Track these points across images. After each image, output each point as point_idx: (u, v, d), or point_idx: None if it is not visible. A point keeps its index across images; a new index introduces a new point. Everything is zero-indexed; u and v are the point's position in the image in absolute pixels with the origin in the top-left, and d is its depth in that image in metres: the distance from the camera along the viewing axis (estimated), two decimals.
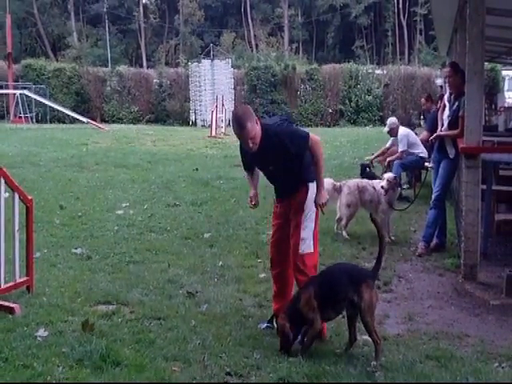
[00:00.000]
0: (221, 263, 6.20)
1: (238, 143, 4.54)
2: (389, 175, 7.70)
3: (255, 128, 4.16)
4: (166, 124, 29.08)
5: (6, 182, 5.12)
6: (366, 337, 4.18)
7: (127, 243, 6.93)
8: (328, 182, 7.65)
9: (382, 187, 7.41)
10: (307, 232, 4.38)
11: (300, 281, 4.38)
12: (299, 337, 4.17)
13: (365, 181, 7.95)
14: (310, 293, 4.05)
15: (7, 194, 5.23)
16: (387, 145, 10.40)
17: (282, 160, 4.31)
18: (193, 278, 5.75)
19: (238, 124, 4.15)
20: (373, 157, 10.66)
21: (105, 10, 46.58)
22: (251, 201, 4.71)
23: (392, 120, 10.45)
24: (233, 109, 4.01)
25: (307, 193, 4.42)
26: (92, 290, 5.29)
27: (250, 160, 4.59)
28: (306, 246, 4.37)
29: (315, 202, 4.38)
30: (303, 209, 4.41)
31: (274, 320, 4.52)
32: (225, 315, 4.78)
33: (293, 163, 4.35)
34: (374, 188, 7.57)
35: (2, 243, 5.08)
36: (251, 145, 4.19)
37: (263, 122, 4.31)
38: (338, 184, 7.69)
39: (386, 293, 5.47)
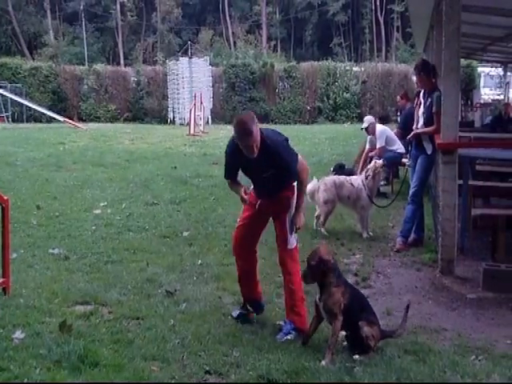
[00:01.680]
0: (200, 261, 6.18)
1: (225, 151, 4.57)
2: (379, 161, 7.80)
3: (258, 133, 4.21)
4: (144, 122, 28.89)
5: None
6: (344, 332, 4.20)
7: (105, 243, 6.88)
8: (315, 182, 7.69)
9: (383, 165, 7.60)
10: (291, 227, 4.52)
11: (291, 267, 4.55)
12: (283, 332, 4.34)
13: (342, 177, 7.98)
14: (344, 291, 4.11)
15: None
16: (367, 146, 10.34)
17: (275, 168, 4.37)
18: (172, 276, 5.72)
19: (245, 129, 4.16)
20: (360, 164, 10.30)
21: (81, 7, 46.13)
22: (245, 193, 4.55)
23: (369, 117, 10.51)
24: (237, 116, 4.03)
25: (294, 190, 4.55)
26: (70, 291, 5.24)
27: (242, 166, 4.54)
28: (292, 240, 4.55)
29: (293, 222, 4.52)
30: (289, 205, 4.52)
31: (248, 305, 4.69)
32: (204, 313, 4.77)
33: (283, 173, 4.42)
34: (351, 184, 7.59)
35: None
36: (255, 150, 4.21)
37: (261, 129, 4.33)
38: (317, 183, 7.69)
39: (365, 288, 5.49)
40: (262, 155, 4.26)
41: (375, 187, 7.73)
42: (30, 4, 48.95)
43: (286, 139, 4.54)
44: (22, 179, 10.98)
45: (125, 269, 5.93)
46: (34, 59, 40.32)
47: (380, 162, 7.78)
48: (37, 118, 28.78)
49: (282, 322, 4.56)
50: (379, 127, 10.14)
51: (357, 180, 7.62)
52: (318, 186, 7.63)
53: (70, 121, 25.72)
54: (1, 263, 5.26)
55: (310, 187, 7.62)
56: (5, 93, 27.22)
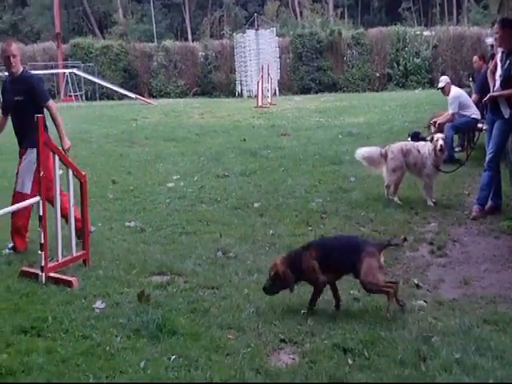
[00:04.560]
0: (271, 232, 6.20)
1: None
2: (441, 135, 7.46)
3: (18, 55, 5.75)
4: (213, 96, 29.09)
5: (60, 159, 5.24)
6: (421, 302, 4.12)
7: (179, 215, 7.01)
8: (371, 150, 7.53)
9: (441, 147, 7.16)
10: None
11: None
12: None
13: (410, 143, 7.74)
14: (312, 254, 4.24)
15: (61, 171, 5.34)
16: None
17: (27, 96, 5.71)
18: (244, 247, 5.77)
19: (7, 42, 5.81)
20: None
21: None
22: None
23: (445, 77, 10.15)
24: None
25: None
26: (146, 262, 5.39)
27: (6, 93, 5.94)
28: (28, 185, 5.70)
29: (62, 147, 5.82)
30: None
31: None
32: None
33: (31, 106, 5.66)
34: (418, 151, 7.34)
35: (58, 219, 5.22)
36: (13, 64, 5.70)
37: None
38: (384, 150, 7.51)
39: (441, 257, 5.37)
40: (21, 80, 5.76)
41: (440, 158, 7.35)
42: None
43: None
44: (97, 155, 11.33)
45: (199, 240, 6.04)
46: (104, 38, 41.21)
47: (440, 135, 7.44)
48: (109, 95, 29.52)
49: (356, 292, 4.53)
50: (454, 91, 9.75)
51: (424, 147, 7.34)
52: (385, 152, 7.43)
53: (141, 97, 26.21)
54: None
55: (368, 152, 7.50)
56: (78, 72, 28.03)
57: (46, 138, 5.10)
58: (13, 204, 5.60)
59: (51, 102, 5.99)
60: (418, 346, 3.63)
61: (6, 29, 48.04)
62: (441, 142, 7.16)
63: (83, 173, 5.50)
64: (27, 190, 5.70)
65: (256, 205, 7.29)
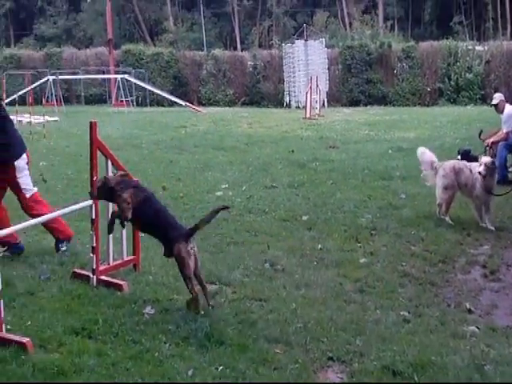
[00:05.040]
0: (320, 246, 6.18)
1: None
2: (486, 159, 7.25)
3: None
4: (261, 106, 29.20)
5: (112, 164, 5.35)
6: (473, 328, 4.03)
7: (227, 224, 7.05)
8: (430, 156, 7.44)
9: (479, 173, 7.00)
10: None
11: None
12: None
13: (462, 163, 7.59)
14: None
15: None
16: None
17: None
18: (292, 260, 5.77)
19: None
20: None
21: None
22: None
23: (499, 94, 9.94)
24: None
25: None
26: None
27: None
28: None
29: None
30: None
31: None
32: (325, 299, 4.77)
33: None
34: (470, 171, 7.18)
35: None
36: None
37: None
38: (436, 164, 7.40)
39: (494, 282, 5.25)
40: None
41: (489, 181, 7.14)
42: None
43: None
44: (147, 161, 11.50)
45: (247, 250, 6.06)
46: (155, 45, 41.91)
47: (489, 159, 7.25)
48: (159, 101, 29.97)
49: (406, 313, 4.46)
50: (508, 108, 9.52)
51: (476, 168, 7.16)
52: (437, 168, 7.32)
53: (191, 105, 26.52)
54: (132, 241, 5.57)
55: (426, 154, 7.41)
56: (130, 78, 28.56)
57: (99, 143, 5.19)
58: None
59: None
60: (469, 374, 3.55)
61: (59, 33, 49.48)
62: (483, 167, 6.97)
63: (135, 179, 5.58)
64: (31, 187, 6.09)
65: (304, 218, 7.28)
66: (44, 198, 7.24)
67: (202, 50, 34.64)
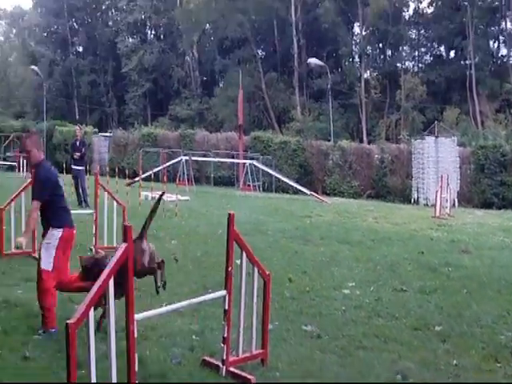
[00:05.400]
0: (455, 362, 5.79)
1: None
2: None
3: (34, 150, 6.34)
4: (387, 200, 28.76)
5: (247, 256, 5.42)
6: None
7: (355, 326, 6.86)
8: None
9: None
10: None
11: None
12: None
13: None
14: None
15: (238, 261, 5.46)
16: None
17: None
18: (425, 374, 5.45)
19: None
20: None
21: (328, 85, 48.67)
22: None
23: None
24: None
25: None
26: (322, 372, 5.29)
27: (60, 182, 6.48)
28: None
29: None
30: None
31: None
32: None
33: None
34: None
35: (241, 314, 5.36)
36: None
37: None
38: None
39: None
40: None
41: None
42: (281, 81, 52.97)
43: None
44: (273, 249, 11.59)
45: (376, 358, 5.82)
46: (282, 132, 43.35)
47: None
48: (284, 188, 30.56)
49: None
50: None
51: None
52: None
53: (316, 194, 26.80)
54: (260, 334, 5.56)
55: None
56: (257, 163, 29.55)
57: (236, 235, 5.28)
58: (38, 279, 6.23)
59: (35, 202, 6.20)
60: None
61: (193, 115, 52.72)
62: None
63: (267, 272, 5.65)
64: (49, 267, 6.16)
65: (437, 328, 6.90)
66: (173, 278, 7.60)
67: (329, 140, 35.22)
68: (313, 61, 38.28)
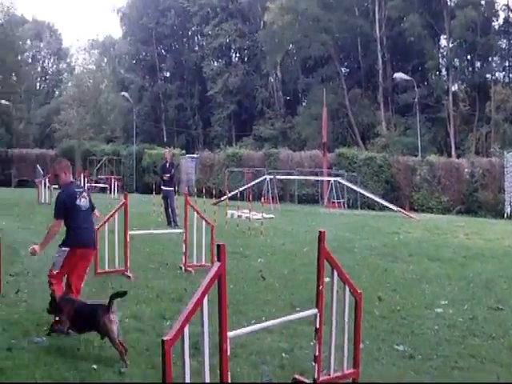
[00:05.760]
0: None
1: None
2: None
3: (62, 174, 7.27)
4: (478, 216, 27.70)
5: (338, 275, 5.39)
6: None
7: (450, 346, 6.64)
8: None
9: None
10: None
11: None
12: None
13: None
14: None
15: (328, 279, 5.44)
16: None
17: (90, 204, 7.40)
18: None
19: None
20: None
21: (416, 100, 47.71)
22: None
23: None
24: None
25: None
26: None
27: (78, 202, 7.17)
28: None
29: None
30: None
31: None
32: None
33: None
34: None
35: (333, 333, 5.32)
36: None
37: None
38: None
39: None
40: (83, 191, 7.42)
41: None
42: (365, 98, 52.35)
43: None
44: (361, 267, 11.44)
45: (473, 379, 5.61)
46: (366, 148, 42.74)
47: None
48: (370, 205, 30.11)
49: None
50: None
51: None
52: None
53: (403, 210, 26.21)
54: (352, 353, 5.49)
55: None
56: (342, 180, 29.31)
57: (327, 254, 5.26)
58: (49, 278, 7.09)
59: (54, 219, 7.10)
60: None
61: (276, 135, 53.05)
62: None
63: (359, 291, 5.59)
64: (55, 270, 6.99)
65: None
66: (260, 296, 7.71)
67: (416, 155, 34.37)
68: (399, 75, 37.65)
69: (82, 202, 7.20)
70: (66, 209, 7.05)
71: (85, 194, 7.34)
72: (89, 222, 7.33)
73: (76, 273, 7.15)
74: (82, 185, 31.08)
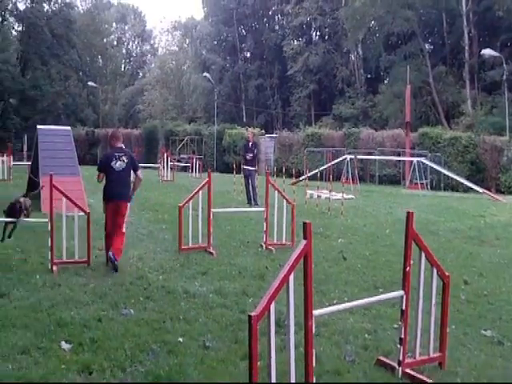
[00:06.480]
0: None
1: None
2: None
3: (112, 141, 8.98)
4: None
5: (425, 257, 5.28)
6: None
7: None
8: None
9: None
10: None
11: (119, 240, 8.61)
12: None
13: None
14: None
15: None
16: None
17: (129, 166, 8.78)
18: None
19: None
20: None
21: (504, 77, 45.46)
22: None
23: None
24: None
25: (127, 208, 8.90)
26: (506, 379, 4.99)
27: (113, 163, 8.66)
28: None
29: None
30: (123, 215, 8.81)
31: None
32: None
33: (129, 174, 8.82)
34: None
35: (419, 316, 5.23)
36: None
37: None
38: None
39: None
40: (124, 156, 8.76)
41: None
42: (450, 75, 50.45)
43: None
44: (445, 250, 11.14)
45: None
46: (450, 128, 41.30)
47: None
48: (454, 186, 29.20)
49: None
50: None
51: None
52: None
53: (489, 192, 25.25)
54: (438, 337, 5.38)
55: None
56: (425, 161, 28.52)
57: (415, 235, 5.16)
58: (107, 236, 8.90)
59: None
60: None
61: (356, 114, 52.16)
62: None
63: (447, 274, 5.46)
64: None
65: None
66: (341, 276, 7.77)
67: (503, 135, 32.87)
68: (487, 51, 35.95)
69: (118, 164, 8.61)
70: (102, 166, 8.77)
71: (124, 158, 8.66)
72: (121, 180, 8.63)
73: (114, 229, 8.61)
74: (159, 160, 31.95)
